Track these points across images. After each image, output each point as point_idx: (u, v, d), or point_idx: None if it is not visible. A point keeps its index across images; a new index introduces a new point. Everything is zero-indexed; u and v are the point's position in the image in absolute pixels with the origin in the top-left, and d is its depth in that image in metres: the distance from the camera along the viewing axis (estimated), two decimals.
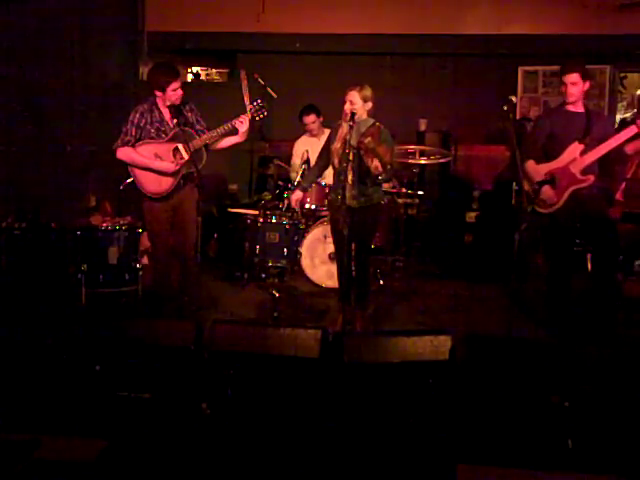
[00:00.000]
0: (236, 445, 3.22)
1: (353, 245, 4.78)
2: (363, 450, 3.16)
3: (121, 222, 5.36)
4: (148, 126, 4.69)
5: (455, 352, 3.56)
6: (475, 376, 3.52)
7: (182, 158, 4.67)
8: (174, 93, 4.66)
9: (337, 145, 4.61)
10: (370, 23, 7.49)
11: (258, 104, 4.80)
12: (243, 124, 4.72)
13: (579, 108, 4.82)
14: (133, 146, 4.67)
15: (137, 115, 4.67)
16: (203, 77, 8.66)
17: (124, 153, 4.67)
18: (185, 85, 8.50)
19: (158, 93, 4.68)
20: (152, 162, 4.66)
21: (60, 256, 5.19)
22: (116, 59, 7.44)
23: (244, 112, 4.78)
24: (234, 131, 4.78)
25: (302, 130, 6.53)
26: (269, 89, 6.61)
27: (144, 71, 7.96)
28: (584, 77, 4.70)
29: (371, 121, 4.59)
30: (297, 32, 7.68)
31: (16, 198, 5.84)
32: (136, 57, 7.81)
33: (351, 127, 4.45)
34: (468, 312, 5.40)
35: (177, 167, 4.66)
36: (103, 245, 5.21)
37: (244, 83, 5.04)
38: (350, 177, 4.55)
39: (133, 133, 4.66)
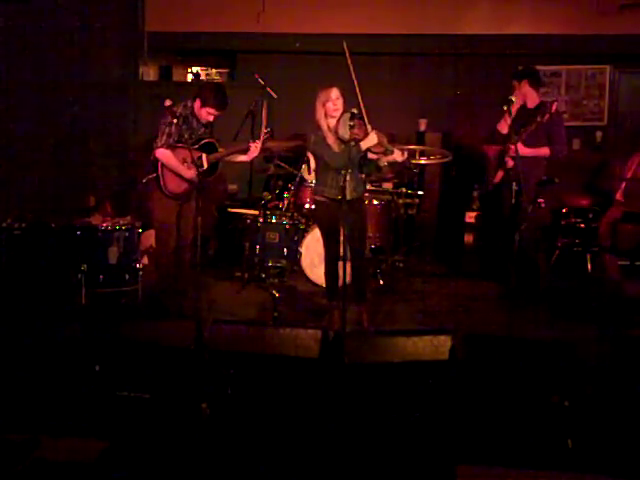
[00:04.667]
0: (236, 445, 3.22)
1: (354, 240, 4.84)
2: (363, 450, 3.16)
3: (121, 222, 5.35)
4: (184, 131, 4.80)
5: (455, 352, 3.56)
6: (475, 376, 3.52)
7: (202, 167, 4.81)
8: (208, 115, 4.85)
9: (335, 145, 4.66)
10: (370, 23, 7.48)
11: (269, 131, 5.18)
12: (257, 150, 5.03)
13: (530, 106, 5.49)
14: (171, 147, 4.76)
15: (176, 117, 4.74)
16: (203, 77, 8.66)
17: (163, 154, 4.75)
18: (185, 85, 8.58)
19: (198, 102, 4.83)
20: (183, 169, 4.79)
21: (60, 256, 5.19)
22: (116, 59, 7.44)
23: (258, 137, 5.10)
24: (245, 151, 5.05)
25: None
26: (269, 89, 6.60)
27: (144, 71, 7.98)
28: (517, 78, 5.55)
29: (347, 114, 4.61)
30: (297, 32, 7.67)
31: (16, 198, 5.84)
32: (136, 57, 7.81)
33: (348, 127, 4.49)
34: (468, 312, 5.39)
35: (197, 178, 4.71)
36: (103, 245, 5.20)
37: (264, 112, 5.21)
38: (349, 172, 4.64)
39: (176, 136, 4.75)
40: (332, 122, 4.66)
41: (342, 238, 4.54)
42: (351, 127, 4.46)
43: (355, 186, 4.75)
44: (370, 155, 4.81)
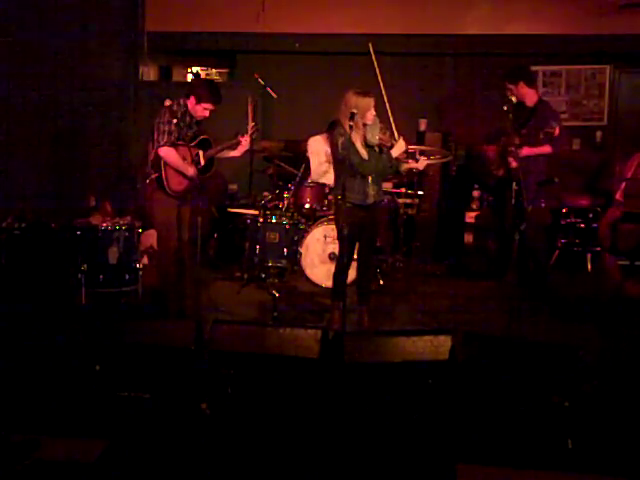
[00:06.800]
0: (236, 445, 3.22)
1: (365, 243, 4.85)
2: (363, 450, 3.16)
3: (121, 222, 5.35)
4: (182, 128, 4.81)
5: (455, 352, 3.56)
6: (475, 376, 3.52)
7: (199, 164, 4.84)
8: (204, 111, 4.86)
9: (363, 151, 4.63)
10: (370, 23, 7.48)
11: (255, 125, 5.23)
12: (247, 144, 5.07)
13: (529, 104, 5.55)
14: (173, 146, 4.75)
15: (176, 116, 4.75)
16: (203, 77, 8.66)
17: (167, 152, 4.74)
18: (185, 85, 8.57)
19: (193, 100, 4.83)
20: (185, 166, 4.79)
21: (60, 256, 5.19)
22: (116, 59, 7.44)
23: (246, 131, 5.11)
24: (236, 145, 5.07)
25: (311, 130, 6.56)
26: (269, 89, 6.60)
27: (144, 71, 7.98)
28: (512, 82, 5.52)
29: (376, 119, 4.65)
30: (297, 32, 7.68)
31: (16, 198, 5.84)
32: (136, 57, 7.82)
33: (351, 127, 4.48)
34: (468, 312, 5.39)
35: (197, 174, 4.77)
36: (103, 245, 5.20)
37: (250, 108, 5.23)
38: (371, 176, 4.70)
39: (176, 134, 4.75)
40: (362, 128, 4.60)
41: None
42: (380, 132, 4.53)
43: (377, 190, 4.77)
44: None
